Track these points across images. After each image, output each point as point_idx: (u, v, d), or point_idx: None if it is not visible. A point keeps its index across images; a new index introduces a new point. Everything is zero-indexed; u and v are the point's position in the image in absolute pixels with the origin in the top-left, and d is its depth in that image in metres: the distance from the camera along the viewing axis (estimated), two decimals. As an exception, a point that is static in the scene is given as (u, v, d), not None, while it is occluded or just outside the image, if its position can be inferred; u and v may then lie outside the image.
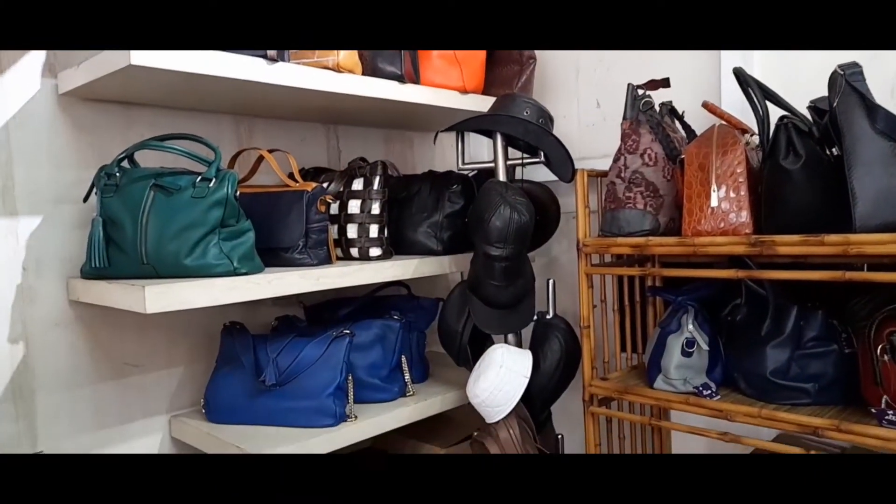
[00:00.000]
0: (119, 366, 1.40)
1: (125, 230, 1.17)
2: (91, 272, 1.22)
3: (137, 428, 1.43)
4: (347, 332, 1.41)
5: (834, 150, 1.16)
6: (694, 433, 1.31)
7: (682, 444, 1.69)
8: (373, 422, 1.42)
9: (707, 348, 1.33)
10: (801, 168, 1.15)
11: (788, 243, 1.14)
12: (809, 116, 1.22)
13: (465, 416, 1.87)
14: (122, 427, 1.41)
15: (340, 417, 1.37)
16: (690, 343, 1.33)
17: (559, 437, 1.53)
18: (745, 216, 1.23)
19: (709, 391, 1.30)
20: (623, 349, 1.59)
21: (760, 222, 1.23)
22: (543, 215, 1.54)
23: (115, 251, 1.19)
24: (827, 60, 1.37)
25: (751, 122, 1.31)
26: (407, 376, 1.56)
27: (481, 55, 1.69)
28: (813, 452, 1.14)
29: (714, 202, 1.25)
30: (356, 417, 1.39)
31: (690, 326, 1.34)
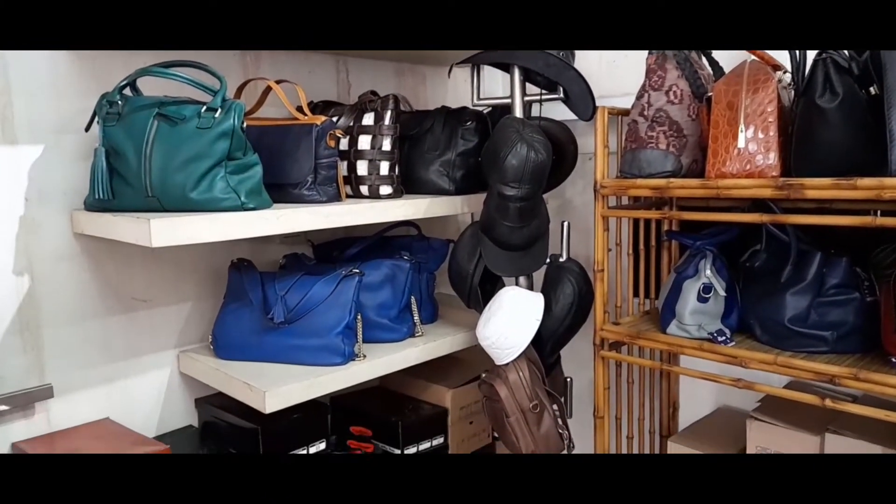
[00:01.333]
0: (126, 300, 1.39)
1: (128, 161, 1.13)
2: (95, 204, 1.18)
3: (146, 363, 1.43)
4: (357, 271, 1.38)
5: (873, 88, 1.10)
6: (706, 379, 1.30)
7: (690, 390, 1.68)
8: (381, 361, 1.41)
9: (724, 294, 1.30)
10: (838, 107, 1.09)
11: (818, 187, 1.09)
12: (847, 52, 1.15)
13: (473, 358, 1.87)
14: (130, 361, 1.41)
15: (349, 356, 1.36)
16: (707, 289, 1.30)
17: (568, 380, 1.52)
18: (773, 158, 1.18)
19: (723, 337, 1.27)
20: (636, 294, 1.56)
21: (788, 164, 1.18)
22: (560, 155, 1.49)
23: (119, 183, 1.16)
24: (868, -7, 1.28)
25: (783, 58, 1.24)
26: (416, 317, 1.54)
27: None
28: (828, 402, 1.13)
29: (741, 143, 1.19)
30: (365, 357, 1.38)
31: (708, 272, 1.30)
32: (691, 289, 1.31)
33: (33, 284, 1.26)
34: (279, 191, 1.29)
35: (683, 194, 1.27)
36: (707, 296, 1.30)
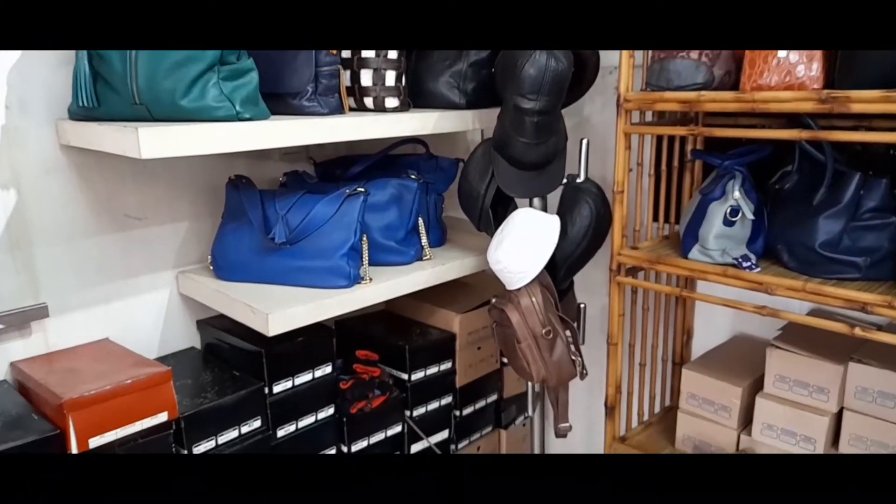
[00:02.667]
0: (120, 218, 1.32)
1: (113, 64, 1.04)
2: (79, 112, 1.10)
3: (144, 283, 1.38)
4: (362, 189, 1.31)
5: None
6: (727, 306, 1.24)
7: (705, 317, 1.63)
8: (388, 285, 1.35)
9: (752, 218, 1.23)
10: None
11: (866, 100, 1.00)
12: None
13: (482, 283, 1.82)
14: (127, 281, 1.35)
15: (354, 279, 1.30)
16: (734, 211, 1.22)
17: (581, 306, 1.47)
18: (815, 69, 1.08)
19: (748, 263, 1.21)
20: (655, 219, 1.49)
21: (832, 76, 1.08)
22: (581, 66, 1.38)
23: (105, 89, 1.07)
24: None
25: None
26: (424, 239, 1.48)
27: None
28: (857, 331, 1.07)
29: (782, 52, 1.09)
30: (371, 280, 1.33)
31: (736, 193, 1.22)
32: (717, 211, 1.24)
33: (20, 199, 1.19)
34: (277, 101, 1.20)
35: (716, 108, 1.17)
36: (734, 219, 1.23)
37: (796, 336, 1.30)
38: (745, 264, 1.20)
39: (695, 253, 1.27)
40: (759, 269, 1.20)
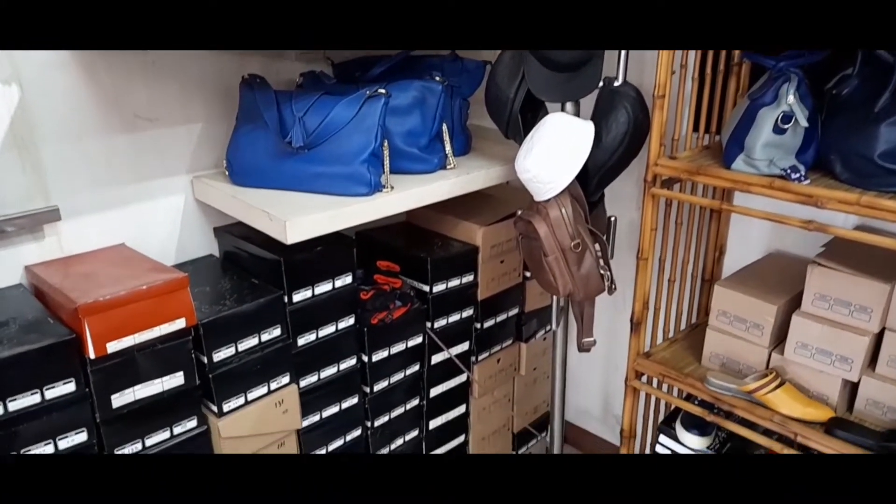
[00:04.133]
0: (130, 118, 1.26)
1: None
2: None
3: (157, 187, 1.33)
4: (383, 91, 1.23)
5: None
6: (770, 219, 1.17)
7: (739, 233, 1.56)
8: (409, 194, 1.29)
9: (805, 125, 1.13)
10: None
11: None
12: None
13: (507, 195, 1.75)
14: (140, 185, 1.31)
15: (375, 187, 1.24)
16: (787, 118, 1.13)
17: (612, 219, 1.40)
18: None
19: (797, 174, 1.12)
20: (695, 128, 1.39)
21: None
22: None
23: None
24: None
25: None
26: (448, 147, 1.40)
27: None
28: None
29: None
30: (392, 188, 1.27)
31: (790, 98, 1.12)
32: (767, 118, 1.14)
33: (23, 95, 1.13)
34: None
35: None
36: (785, 126, 1.13)
37: (839, 254, 1.23)
38: (793, 176, 1.12)
39: (739, 163, 1.19)
40: (808, 181, 1.12)
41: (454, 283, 1.56)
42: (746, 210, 1.22)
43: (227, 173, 1.32)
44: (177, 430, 1.17)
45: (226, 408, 1.23)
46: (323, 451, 1.44)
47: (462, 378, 1.68)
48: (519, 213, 1.32)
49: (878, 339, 1.20)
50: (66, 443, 1.04)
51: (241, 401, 1.25)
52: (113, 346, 1.05)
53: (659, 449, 1.48)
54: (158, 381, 1.12)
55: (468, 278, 1.59)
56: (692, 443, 1.42)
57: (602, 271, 1.28)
